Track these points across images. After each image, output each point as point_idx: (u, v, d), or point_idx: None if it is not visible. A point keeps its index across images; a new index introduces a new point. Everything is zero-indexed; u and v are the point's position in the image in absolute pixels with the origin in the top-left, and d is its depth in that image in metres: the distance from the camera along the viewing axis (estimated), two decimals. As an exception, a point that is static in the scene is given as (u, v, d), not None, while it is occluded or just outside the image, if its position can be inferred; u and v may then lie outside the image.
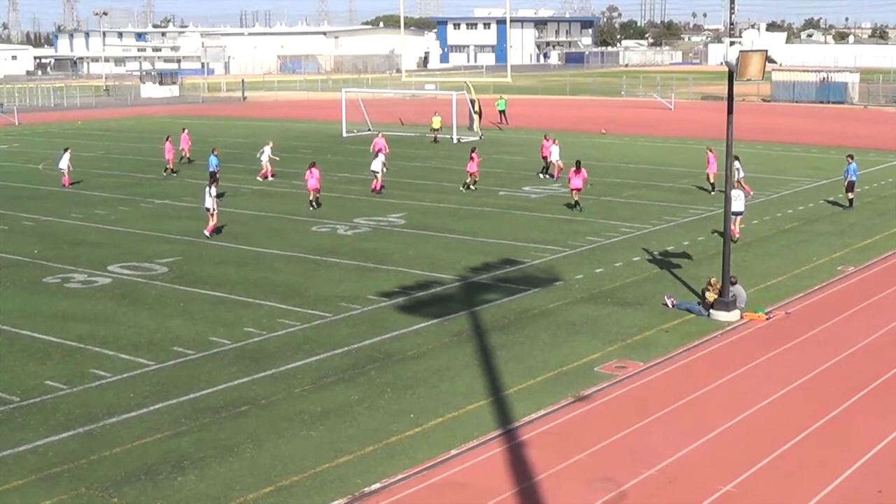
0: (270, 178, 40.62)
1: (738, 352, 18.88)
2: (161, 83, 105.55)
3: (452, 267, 25.33)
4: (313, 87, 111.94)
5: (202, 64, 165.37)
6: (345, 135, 58.60)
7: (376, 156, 38.35)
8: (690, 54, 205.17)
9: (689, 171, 41.74)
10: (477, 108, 60.20)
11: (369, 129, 60.62)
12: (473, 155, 38.02)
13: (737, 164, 33.00)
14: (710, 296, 21.04)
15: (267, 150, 41.41)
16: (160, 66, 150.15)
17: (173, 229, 30.62)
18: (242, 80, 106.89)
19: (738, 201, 26.68)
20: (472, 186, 37.60)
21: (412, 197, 36.42)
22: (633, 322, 20.67)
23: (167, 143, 43.88)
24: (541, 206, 34.59)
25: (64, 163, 40.04)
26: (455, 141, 54.52)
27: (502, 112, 66.74)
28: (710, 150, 36.83)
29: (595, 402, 16.31)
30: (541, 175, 41.03)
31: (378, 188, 37.20)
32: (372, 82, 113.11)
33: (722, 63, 20.52)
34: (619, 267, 25.47)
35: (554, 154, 40.56)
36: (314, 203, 33.84)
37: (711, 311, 20.98)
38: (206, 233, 29.25)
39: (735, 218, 26.96)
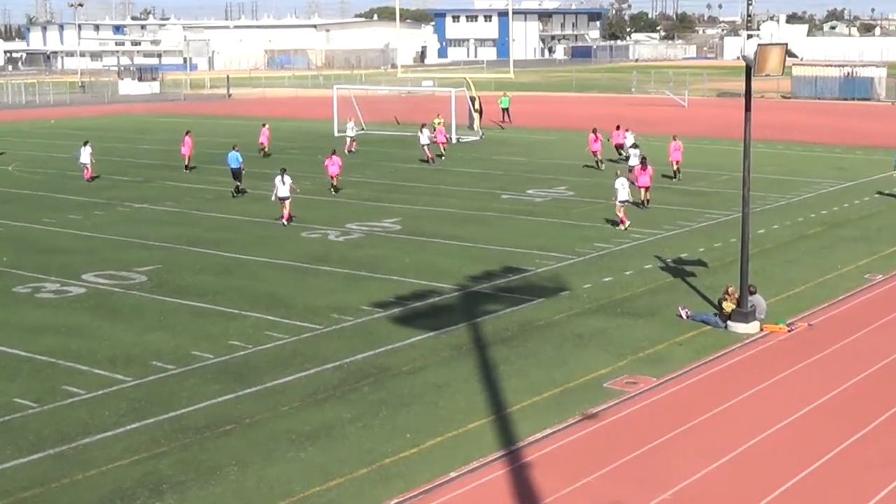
0: (354, 151, 49.86)
1: (757, 366, 18.83)
2: (140, 79, 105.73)
3: (451, 275, 25.30)
4: (303, 83, 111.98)
5: (184, 59, 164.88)
6: (336, 134, 58.53)
7: (421, 130, 47.32)
8: (705, 48, 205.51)
9: (704, 173, 41.75)
10: (477, 106, 60.21)
11: (362, 129, 60.65)
12: (597, 135, 43.57)
13: (636, 150, 38.31)
14: (728, 306, 21.00)
15: (352, 124, 51.54)
16: (139, 60, 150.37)
17: (153, 235, 30.59)
18: (227, 76, 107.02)
19: (623, 190, 30.46)
20: (600, 165, 43.45)
21: (408, 200, 36.42)
22: (645, 335, 20.62)
23: (186, 137, 45.09)
24: (546, 210, 34.58)
25: (85, 157, 41.93)
26: (454, 141, 54.51)
27: (505, 110, 66.85)
28: (675, 139, 40.75)
29: (604, 420, 16.26)
30: (602, 166, 43.71)
31: (432, 158, 46.52)
32: (365, 78, 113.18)
33: (739, 57, 20.46)
34: (630, 275, 25.44)
35: (629, 139, 43.28)
36: (333, 188, 37.85)
37: (729, 322, 20.94)
38: (283, 221, 31.94)
39: (620, 206, 30.60)
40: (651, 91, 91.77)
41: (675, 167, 40.24)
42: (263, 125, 51.20)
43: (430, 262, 27.01)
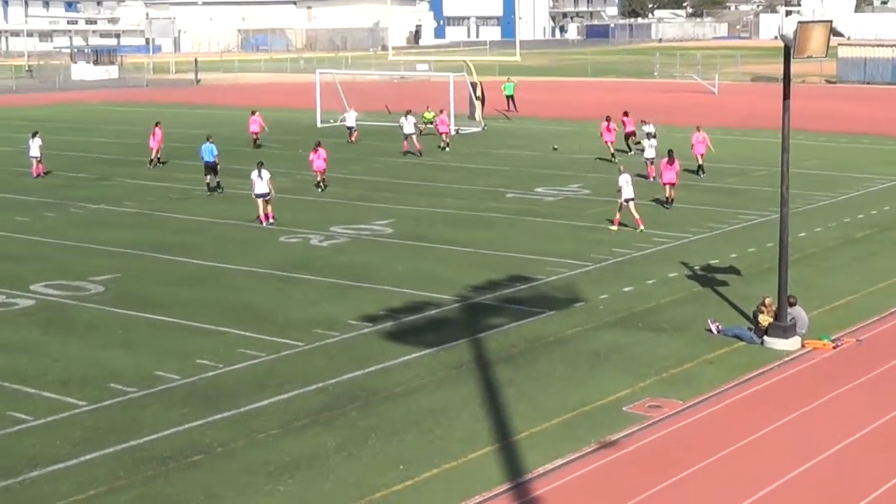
0: (353, 143, 51.30)
1: (798, 388, 18.85)
2: (96, 63, 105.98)
3: (450, 285, 25.33)
4: (281, 67, 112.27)
5: (146, 40, 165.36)
6: (319, 125, 58.69)
7: (406, 116, 47.55)
8: (738, 26, 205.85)
9: (737, 168, 41.84)
10: (479, 94, 60.28)
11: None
12: (611, 126, 44.00)
13: (652, 141, 39.26)
14: (765, 319, 21.02)
15: (351, 114, 52.55)
16: (95, 41, 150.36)
17: (111, 240, 30.61)
18: (196, 60, 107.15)
19: (627, 187, 30.69)
20: (614, 158, 43.10)
21: (401, 200, 36.45)
22: (670, 352, 20.65)
23: (156, 128, 45.27)
24: (557, 210, 34.63)
25: (35, 150, 42.14)
26: (453, 132, 54.56)
27: (510, 97, 66.95)
28: (699, 130, 40.61)
29: (624, 449, 16.27)
30: (616, 159, 43.20)
31: (407, 150, 47.20)
32: (352, 62, 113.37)
33: (776, 37, 20.51)
34: (653, 284, 25.48)
35: (648, 129, 42.77)
36: (321, 185, 38.49)
37: (765, 337, 20.96)
38: (264, 222, 32.28)
39: (628, 205, 30.78)
40: (676, 75, 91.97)
41: (699, 161, 40.33)
42: (253, 112, 52.03)
43: (425, 269, 27.04)
